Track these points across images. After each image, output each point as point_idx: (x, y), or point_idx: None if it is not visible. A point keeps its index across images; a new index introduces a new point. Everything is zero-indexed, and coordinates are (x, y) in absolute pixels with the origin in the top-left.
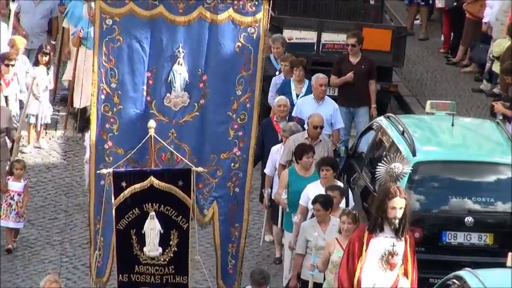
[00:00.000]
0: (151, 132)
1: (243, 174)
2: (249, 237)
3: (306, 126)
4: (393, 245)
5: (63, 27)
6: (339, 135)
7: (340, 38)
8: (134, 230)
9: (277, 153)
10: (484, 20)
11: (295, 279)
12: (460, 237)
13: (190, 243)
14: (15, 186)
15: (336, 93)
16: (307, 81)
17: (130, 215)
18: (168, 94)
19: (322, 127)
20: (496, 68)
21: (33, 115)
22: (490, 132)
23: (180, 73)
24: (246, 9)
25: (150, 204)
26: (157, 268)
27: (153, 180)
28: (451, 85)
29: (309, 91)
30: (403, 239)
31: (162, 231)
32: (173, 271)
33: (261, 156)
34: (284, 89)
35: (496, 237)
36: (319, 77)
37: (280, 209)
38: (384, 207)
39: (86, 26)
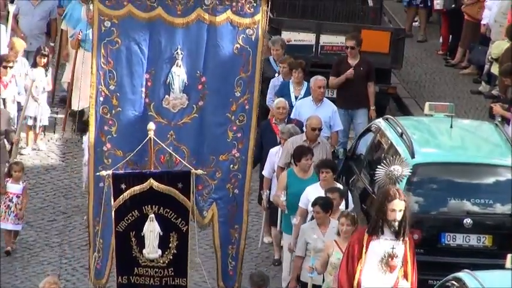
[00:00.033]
0: (151, 134)
1: (242, 175)
2: (248, 238)
3: (304, 128)
4: (393, 247)
5: (62, 29)
6: (338, 138)
7: (338, 40)
8: (133, 232)
9: (276, 155)
10: (482, 22)
11: (294, 281)
12: (459, 239)
13: (190, 246)
14: (13, 188)
15: (334, 95)
16: (306, 83)
17: (130, 217)
18: (166, 96)
19: (320, 129)
20: (495, 69)
21: (31, 117)
22: (488, 134)
23: (179, 75)
24: (245, 11)
25: (149, 206)
26: (157, 270)
27: (152, 182)
28: (449, 87)
29: (307, 93)
30: (402, 241)
31: (161, 234)
32: (172, 273)
33: (260, 158)
34: (283, 91)
35: (494, 238)
36: (317, 79)
37: (279, 211)
38: (384, 210)
39: (85, 28)
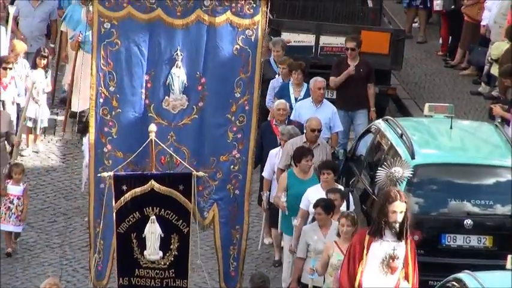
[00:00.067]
0: (152, 136)
1: (243, 176)
2: (248, 239)
3: (304, 130)
4: (394, 249)
5: (61, 31)
6: (338, 139)
7: (338, 41)
8: (135, 234)
9: (276, 157)
10: (482, 23)
11: (295, 282)
12: (459, 240)
13: (191, 247)
14: (14, 190)
15: (334, 96)
16: (305, 85)
17: (131, 219)
18: (166, 97)
19: (320, 130)
20: (495, 70)
21: (30, 118)
22: (488, 135)
23: (179, 76)
24: (244, 12)
25: (150, 208)
26: (158, 272)
27: (153, 184)
28: (449, 88)
29: (307, 94)
30: (404, 242)
31: (162, 235)
32: (173, 275)
33: (260, 159)
34: (282, 93)
35: (495, 239)
36: (317, 81)
37: (280, 212)
38: (385, 211)
39: (84, 29)
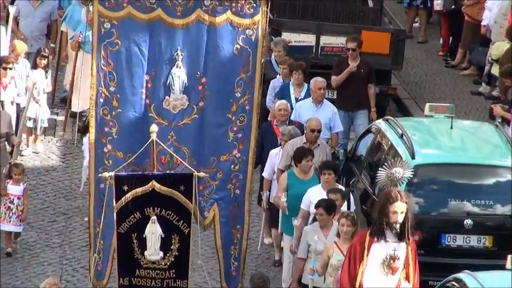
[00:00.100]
0: (154, 136)
1: (243, 176)
2: (248, 239)
3: (304, 130)
4: (395, 250)
5: (61, 31)
6: (338, 139)
7: (339, 41)
8: (135, 234)
9: (276, 157)
10: (482, 23)
11: (295, 282)
12: (459, 240)
13: (191, 248)
14: (14, 189)
15: (334, 96)
16: (306, 85)
17: (132, 219)
18: (167, 97)
19: (319, 131)
20: (495, 70)
21: (30, 118)
22: (488, 135)
23: (179, 76)
24: (244, 12)
25: (151, 208)
26: (158, 272)
27: (154, 184)
28: (449, 88)
29: (308, 95)
30: (404, 243)
31: (163, 236)
32: (174, 275)
33: (261, 160)
34: (283, 93)
35: (495, 239)
36: (317, 81)
37: (280, 212)
38: (385, 212)
39: (84, 30)
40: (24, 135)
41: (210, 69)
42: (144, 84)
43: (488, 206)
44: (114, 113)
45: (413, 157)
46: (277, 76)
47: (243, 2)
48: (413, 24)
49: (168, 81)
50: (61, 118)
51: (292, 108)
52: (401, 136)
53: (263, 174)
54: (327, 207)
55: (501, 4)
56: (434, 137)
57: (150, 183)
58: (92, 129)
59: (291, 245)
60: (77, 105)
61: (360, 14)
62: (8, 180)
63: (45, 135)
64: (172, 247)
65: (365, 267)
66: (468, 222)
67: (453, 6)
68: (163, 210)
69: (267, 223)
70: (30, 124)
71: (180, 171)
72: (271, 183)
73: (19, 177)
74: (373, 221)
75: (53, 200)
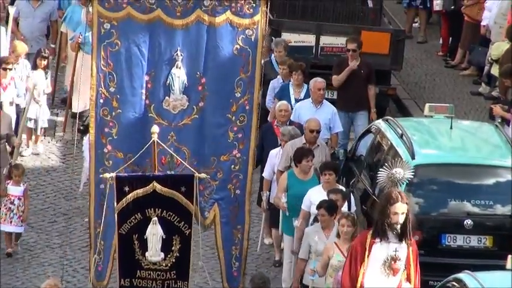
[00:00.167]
0: (155, 137)
1: (244, 176)
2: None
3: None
4: (396, 250)
5: (61, 32)
6: (338, 139)
7: (338, 41)
8: (136, 235)
9: (276, 157)
10: (482, 23)
11: (297, 282)
12: (459, 240)
13: (193, 249)
14: (14, 190)
15: (334, 96)
16: (305, 86)
17: (133, 220)
18: (167, 97)
19: (318, 131)
20: (495, 71)
21: (30, 119)
22: (488, 135)
23: (179, 76)
24: (244, 12)
25: (152, 209)
26: (159, 273)
27: (155, 185)
28: (449, 88)
29: (307, 95)
30: (405, 244)
31: (164, 237)
32: (175, 276)
33: (261, 160)
34: (283, 93)
35: (495, 239)
36: (317, 81)
37: (281, 213)
38: (386, 213)
39: (84, 30)
40: (24, 136)
41: (210, 69)
42: (144, 85)
43: (489, 206)
44: (114, 113)
45: (413, 157)
46: (277, 76)
47: (243, 2)
48: (413, 25)
49: (168, 82)
50: (61, 119)
51: (292, 109)
52: (401, 136)
53: (263, 174)
54: (329, 208)
55: (501, 4)
56: (434, 137)
57: (151, 184)
58: (92, 130)
59: (292, 245)
60: (76, 106)
61: (360, 14)
62: (8, 181)
63: (45, 136)
64: (173, 248)
65: (366, 268)
66: (468, 222)
67: (453, 7)
68: (165, 211)
69: (267, 223)
70: (30, 125)
71: (180, 171)
72: (271, 183)
73: (19, 178)
74: (373, 222)
75: (53, 201)
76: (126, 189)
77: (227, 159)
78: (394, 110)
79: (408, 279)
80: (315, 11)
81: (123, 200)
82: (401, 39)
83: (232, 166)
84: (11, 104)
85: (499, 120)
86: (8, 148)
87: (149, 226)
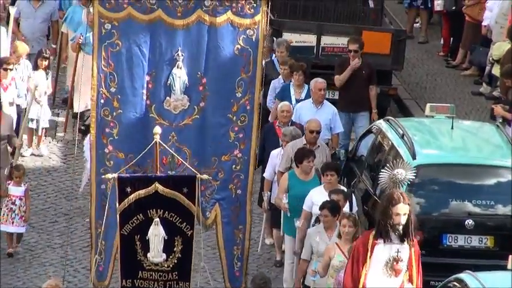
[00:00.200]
0: (157, 138)
1: (245, 176)
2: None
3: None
4: (398, 251)
5: (62, 32)
6: (338, 140)
7: (339, 41)
8: (138, 236)
9: (277, 157)
10: (483, 23)
11: (299, 282)
12: (460, 240)
13: (194, 250)
14: (16, 190)
15: (335, 96)
16: (306, 86)
17: (135, 221)
18: (167, 97)
19: (319, 132)
20: (496, 71)
21: (32, 120)
22: (489, 135)
23: (180, 76)
24: (245, 12)
25: (154, 210)
26: (161, 274)
27: (157, 186)
28: (450, 88)
29: (308, 96)
30: (407, 244)
31: (166, 238)
32: (176, 277)
33: (262, 160)
34: (283, 94)
35: (496, 239)
36: (317, 82)
37: (282, 213)
38: (388, 214)
39: (85, 31)
40: (25, 136)
41: (211, 69)
42: (145, 85)
43: (490, 206)
44: (115, 113)
45: (414, 157)
46: (279, 77)
47: (244, 2)
48: (414, 25)
49: (169, 82)
50: (62, 119)
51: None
52: (402, 136)
53: (264, 174)
54: (332, 208)
55: (502, 4)
56: (435, 138)
57: (153, 185)
58: (93, 130)
59: (293, 246)
60: (77, 106)
61: (361, 14)
62: (9, 182)
63: (45, 136)
64: (175, 249)
65: (368, 269)
66: (469, 222)
67: (454, 7)
68: (167, 212)
69: (268, 223)
70: (32, 125)
71: (181, 172)
72: (272, 184)
73: (20, 178)
74: (375, 223)
75: (54, 201)
76: (128, 190)
77: (228, 159)
78: (395, 110)
79: (410, 280)
80: (316, 11)
81: (125, 200)
82: (403, 39)
83: (234, 166)
84: (11, 104)
85: (500, 121)
86: (9, 149)
87: (151, 227)
